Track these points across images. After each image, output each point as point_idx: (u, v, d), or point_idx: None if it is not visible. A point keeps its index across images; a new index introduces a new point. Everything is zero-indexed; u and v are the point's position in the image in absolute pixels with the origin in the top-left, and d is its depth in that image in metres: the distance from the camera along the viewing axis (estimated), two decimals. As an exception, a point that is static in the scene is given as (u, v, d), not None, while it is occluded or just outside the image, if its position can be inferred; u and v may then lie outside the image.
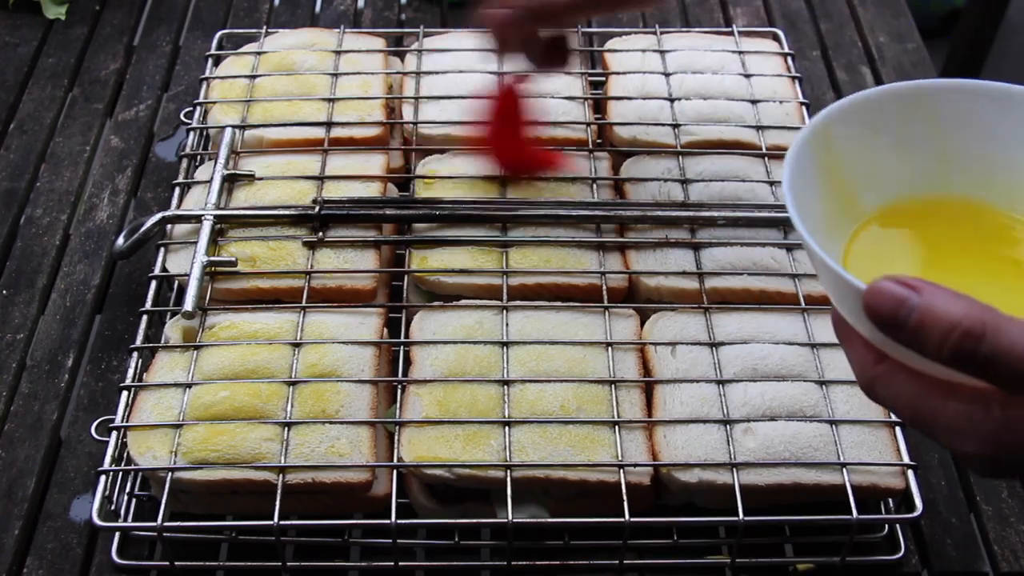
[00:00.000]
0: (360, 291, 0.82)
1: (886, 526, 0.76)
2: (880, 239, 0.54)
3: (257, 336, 0.78)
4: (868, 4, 1.23)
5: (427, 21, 1.18)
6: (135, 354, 0.78)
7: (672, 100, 0.96)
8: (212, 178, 0.87)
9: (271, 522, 0.68)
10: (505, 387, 0.75)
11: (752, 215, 0.86)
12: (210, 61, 1.03)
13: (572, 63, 0.82)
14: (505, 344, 0.77)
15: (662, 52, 1.01)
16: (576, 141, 0.93)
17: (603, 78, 1.01)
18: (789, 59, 1.02)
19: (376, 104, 0.96)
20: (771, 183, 0.89)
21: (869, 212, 0.54)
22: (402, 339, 0.79)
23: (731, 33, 1.05)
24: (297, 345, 0.77)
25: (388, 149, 0.93)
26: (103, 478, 0.72)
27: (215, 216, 0.84)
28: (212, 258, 0.81)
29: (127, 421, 0.74)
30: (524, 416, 0.73)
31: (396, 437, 0.72)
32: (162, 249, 0.85)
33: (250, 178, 0.88)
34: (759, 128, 0.94)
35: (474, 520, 0.72)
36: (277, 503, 0.68)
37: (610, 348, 0.78)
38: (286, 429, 0.72)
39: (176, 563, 0.72)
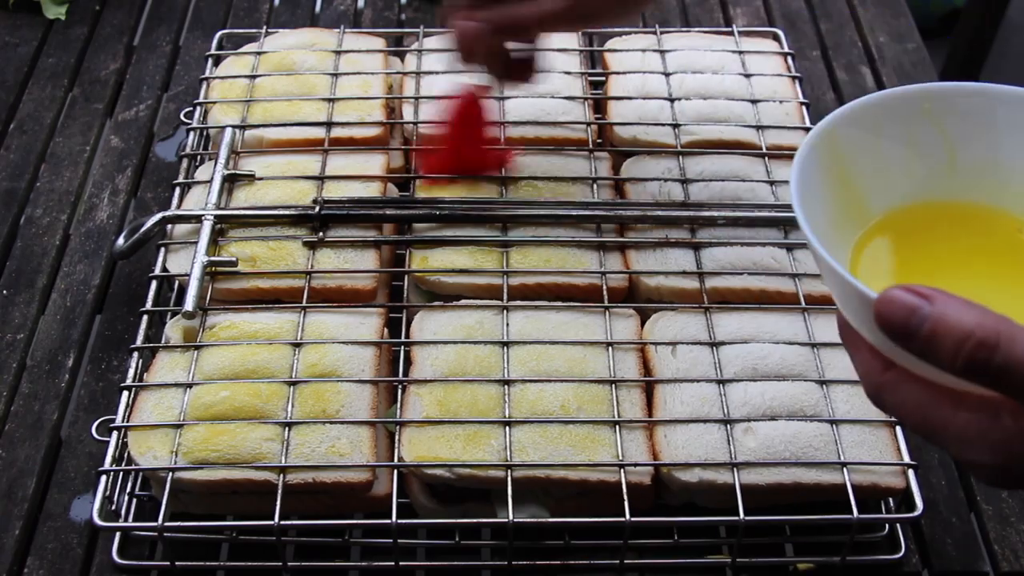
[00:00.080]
0: (360, 291, 0.82)
1: (886, 526, 0.76)
2: (888, 244, 0.53)
3: (257, 336, 0.78)
4: (868, 4, 1.23)
5: (427, 21, 1.17)
6: (135, 354, 0.79)
7: (672, 100, 0.96)
8: (212, 178, 0.87)
9: (272, 522, 0.68)
10: (505, 387, 0.75)
11: (752, 215, 0.86)
12: (210, 61, 1.03)
13: (536, 80, 0.81)
14: (505, 344, 0.77)
15: (662, 52, 1.01)
16: (576, 141, 0.93)
17: (603, 78, 1.01)
18: (789, 59, 1.02)
19: (376, 104, 0.96)
20: (771, 183, 0.89)
21: (876, 217, 0.54)
22: (402, 339, 0.79)
23: (731, 33, 1.05)
24: (297, 345, 0.77)
25: (388, 149, 0.93)
26: (103, 478, 0.72)
27: (215, 216, 0.84)
28: (212, 258, 0.81)
29: (127, 421, 0.74)
30: (524, 416, 0.73)
31: (396, 437, 0.72)
32: (162, 249, 0.85)
33: (250, 178, 0.88)
34: (759, 128, 0.94)
35: (474, 520, 0.72)
36: (278, 503, 0.68)
37: (610, 348, 0.78)
38: (286, 429, 0.72)
39: (177, 563, 0.72)
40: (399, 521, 0.69)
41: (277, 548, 0.70)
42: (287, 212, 0.85)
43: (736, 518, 0.69)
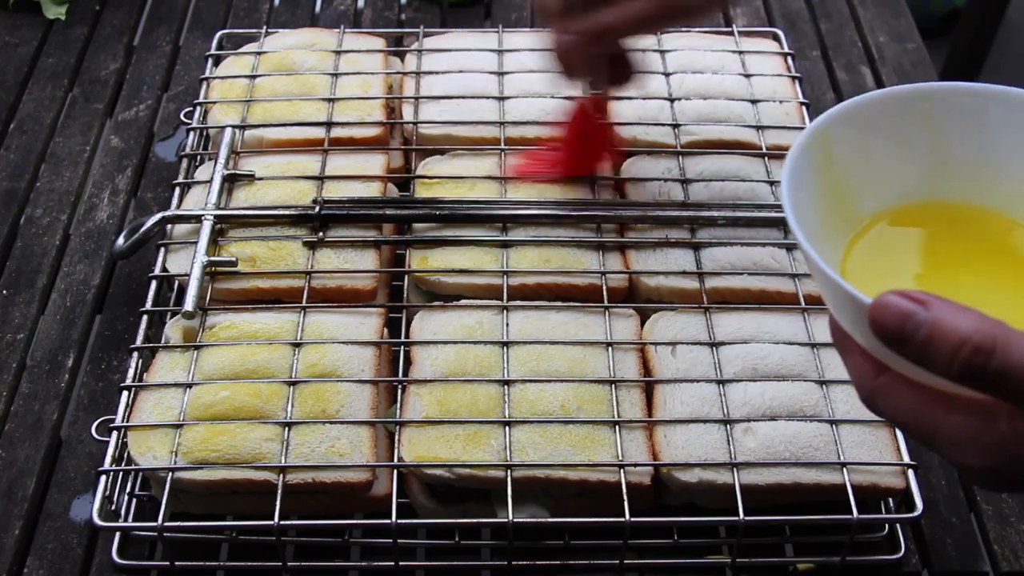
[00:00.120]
0: (360, 291, 0.82)
1: (886, 526, 0.76)
2: (879, 245, 0.53)
3: (257, 336, 0.78)
4: (868, 4, 1.23)
5: (427, 21, 1.18)
6: (135, 354, 0.79)
7: (672, 100, 0.96)
8: (212, 178, 0.87)
9: (271, 522, 0.68)
10: (505, 387, 0.75)
11: (752, 215, 0.86)
12: (210, 61, 1.03)
13: (637, 80, 0.80)
14: (505, 344, 0.77)
15: (662, 52, 1.01)
16: (576, 141, 0.93)
17: (603, 78, 1.01)
18: (789, 59, 1.02)
19: (376, 104, 0.96)
20: (771, 183, 0.89)
21: (868, 218, 0.53)
22: (402, 339, 0.79)
23: (731, 33, 1.05)
24: (297, 345, 0.77)
25: (388, 149, 0.93)
26: (103, 478, 0.72)
27: (215, 216, 0.84)
28: (212, 258, 0.81)
29: (127, 421, 0.74)
30: (524, 416, 0.73)
31: (396, 437, 0.72)
32: (162, 249, 0.85)
33: (250, 178, 0.88)
34: (759, 128, 0.94)
35: (474, 520, 0.72)
36: (277, 503, 0.68)
37: (610, 348, 0.78)
38: (286, 429, 0.72)
39: (176, 563, 0.72)
40: (399, 521, 0.69)
41: (277, 548, 0.70)
42: (287, 212, 0.85)
43: (736, 518, 0.69)
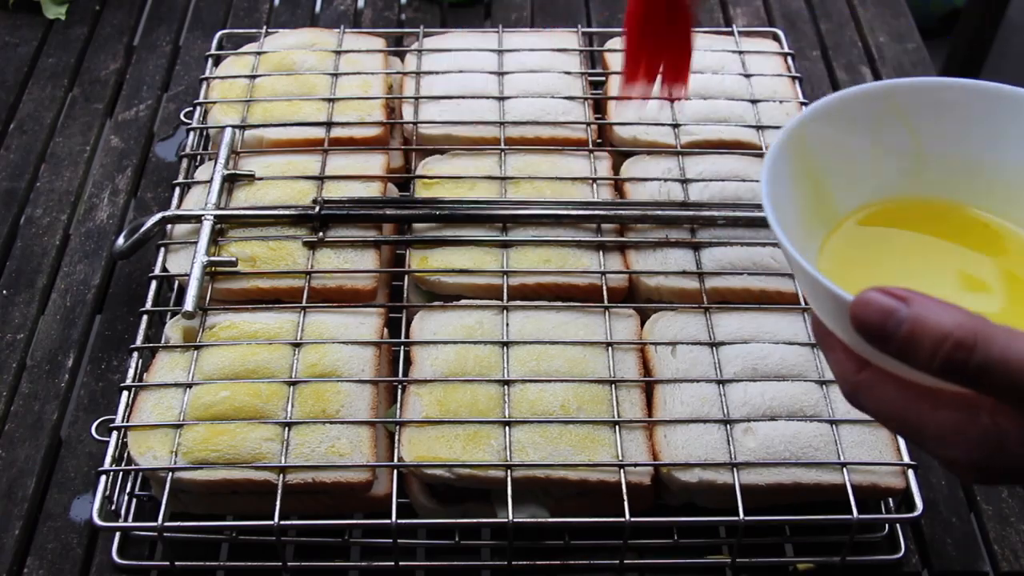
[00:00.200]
0: (360, 291, 0.82)
1: (886, 526, 0.76)
2: (856, 241, 0.53)
3: (257, 336, 0.78)
4: (868, 4, 1.23)
5: (427, 21, 1.18)
6: (135, 354, 0.79)
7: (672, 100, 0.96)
8: (212, 178, 0.87)
9: (271, 522, 0.68)
10: (505, 387, 0.75)
11: (752, 215, 0.86)
12: (210, 61, 1.03)
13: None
14: (505, 344, 0.77)
15: (662, 52, 1.01)
16: (576, 141, 0.93)
17: (603, 78, 1.01)
18: (789, 59, 1.02)
19: (376, 104, 0.96)
20: (771, 183, 0.89)
21: (845, 214, 0.53)
22: (402, 339, 0.79)
23: (731, 33, 1.05)
24: (297, 345, 0.77)
25: (388, 149, 0.93)
26: (103, 478, 0.72)
27: (215, 216, 0.84)
28: (212, 258, 0.81)
29: (127, 421, 0.74)
30: (524, 416, 0.73)
31: (396, 437, 0.72)
32: (162, 249, 0.85)
33: (250, 178, 0.88)
34: (759, 128, 0.94)
35: (474, 520, 0.72)
36: (277, 503, 0.68)
37: (610, 348, 0.78)
38: (286, 429, 0.72)
39: (176, 563, 0.72)
40: (399, 521, 0.69)
41: (277, 548, 0.70)
42: (287, 212, 0.85)
43: (736, 518, 0.69)
